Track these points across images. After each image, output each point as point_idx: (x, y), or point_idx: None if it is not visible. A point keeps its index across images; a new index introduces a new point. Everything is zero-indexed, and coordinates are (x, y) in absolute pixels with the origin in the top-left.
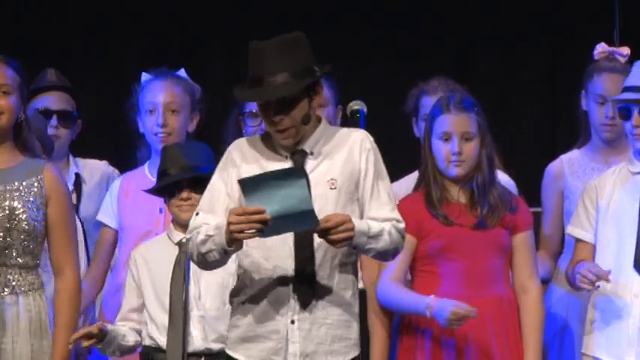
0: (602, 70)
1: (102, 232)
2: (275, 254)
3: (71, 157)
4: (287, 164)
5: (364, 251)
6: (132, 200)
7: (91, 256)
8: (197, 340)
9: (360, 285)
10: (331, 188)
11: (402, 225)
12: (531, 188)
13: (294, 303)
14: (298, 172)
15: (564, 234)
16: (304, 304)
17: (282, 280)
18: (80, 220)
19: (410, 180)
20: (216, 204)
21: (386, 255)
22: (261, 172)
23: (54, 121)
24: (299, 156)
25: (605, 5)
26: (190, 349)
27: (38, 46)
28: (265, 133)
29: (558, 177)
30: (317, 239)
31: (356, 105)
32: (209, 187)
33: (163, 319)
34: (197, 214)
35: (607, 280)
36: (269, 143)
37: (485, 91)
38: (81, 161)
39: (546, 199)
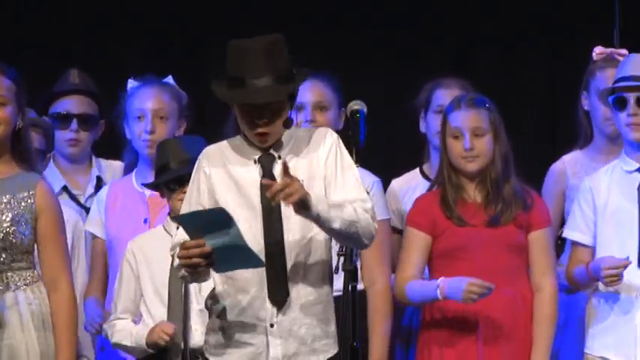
0: (605, 67)
1: (93, 244)
2: None
3: (94, 159)
4: (255, 169)
5: (330, 221)
6: (119, 211)
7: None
8: (197, 335)
9: (360, 286)
10: None
11: (369, 205)
12: (532, 188)
13: (270, 306)
14: (224, 215)
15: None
16: (280, 307)
17: (256, 284)
18: None
19: (409, 176)
20: None
21: (356, 235)
22: (229, 178)
23: (74, 124)
24: (267, 160)
25: (605, 5)
26: (190, 343)
27: (38, 46)
28: (234, 137)
29: (560, 178)
30: (288, 240)
31: (356, 105)
32: (186, 197)
33: (160, 311)
34: (177, 227)
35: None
36: (237, 148)
37: (486, 91)
38: (104, 162)
39: (548, 199)
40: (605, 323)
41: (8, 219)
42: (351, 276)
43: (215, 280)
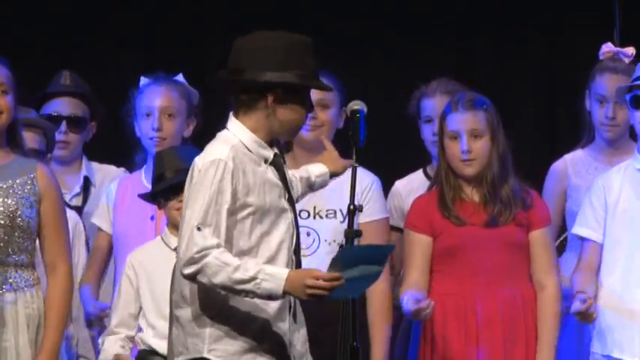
0: (605, 70)
1: (98, 237)
2: (277, 263)
3: (84, 161)
4: (269, 171)
5: None
6: (127, 208)
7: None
8: None
9: None
10: (294, 188)
11: None
12: (531, 188)
13: (290, 318)
14: (386, 252)
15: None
16: (295, 319)
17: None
18: (83, 223)
19: (413, 177)
20: (220, 220)
21: None
22: (260, 179)
23: (63, 126)
24: (279, 158)
25: (605, 5)
26: None
27: (38, 46)
28: (232, 137)
29: (562, 177)
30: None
31: (356, 105)
32: (211, 198)
33: (161, 325)
34: (199, 228)
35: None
36: (250, 148)
37: (485, 91)
38: (96, 166)
39: (549, 198)
40: (610, 322)
41: (13, 202)
42: None
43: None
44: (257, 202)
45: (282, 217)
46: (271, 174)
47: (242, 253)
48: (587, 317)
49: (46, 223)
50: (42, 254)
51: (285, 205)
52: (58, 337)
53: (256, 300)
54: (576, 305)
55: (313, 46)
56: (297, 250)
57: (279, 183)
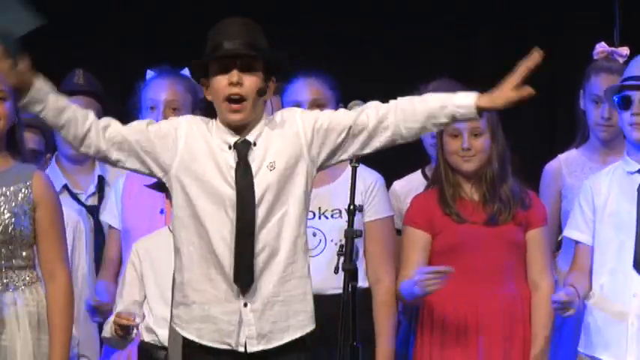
0: (600, 71)
1: (109, 234)
2: (216, 238)
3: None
4: (230, 155)
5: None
6: (135, 201)
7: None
8: None
9: (366, 284)
10: (270, 170)
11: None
12: (530, 188)
13: (243, 292)
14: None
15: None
16: (248, 286)
17: (225, 262)
18: (99, 222)
19: (411, 178)
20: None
21: None
22: (209, 152)
23: None
24: (243, 146)
25: (605, 5)
26: None
27: (38, 46)
28: (211, 120)
29: (556, 177)
30: (258, 219)
31: (356, 105)
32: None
33: (163, 312)
34: None
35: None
36: (217, 130)
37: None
38: None
39: (544, 198)
40: (598, 323)
41: (7, 211)
42: (351, 276)
43: (182, 251)
44: (198, 168)
45: (217, 196)
46: (230, 160)
47: (181, 220)
48: (563, 310)
49: (42, 231)
50: (39, 262)
51: (228, 191)
52: (65, 343)
53: (209, 274)
54: (559, 295)
55: (230, 22)
56: (241, 226)
57: (232, 169)
